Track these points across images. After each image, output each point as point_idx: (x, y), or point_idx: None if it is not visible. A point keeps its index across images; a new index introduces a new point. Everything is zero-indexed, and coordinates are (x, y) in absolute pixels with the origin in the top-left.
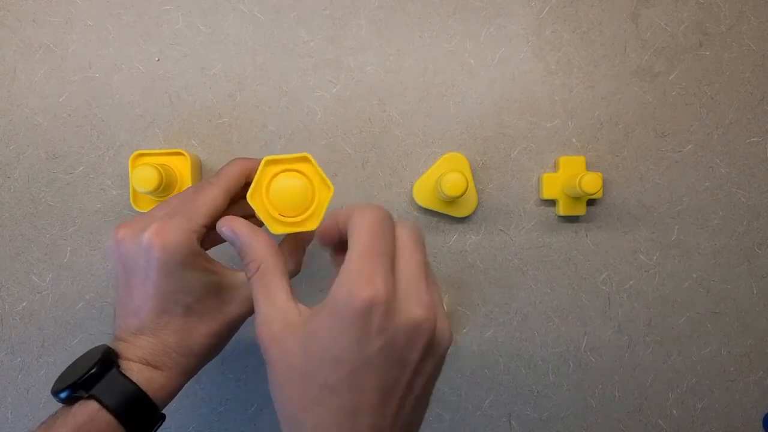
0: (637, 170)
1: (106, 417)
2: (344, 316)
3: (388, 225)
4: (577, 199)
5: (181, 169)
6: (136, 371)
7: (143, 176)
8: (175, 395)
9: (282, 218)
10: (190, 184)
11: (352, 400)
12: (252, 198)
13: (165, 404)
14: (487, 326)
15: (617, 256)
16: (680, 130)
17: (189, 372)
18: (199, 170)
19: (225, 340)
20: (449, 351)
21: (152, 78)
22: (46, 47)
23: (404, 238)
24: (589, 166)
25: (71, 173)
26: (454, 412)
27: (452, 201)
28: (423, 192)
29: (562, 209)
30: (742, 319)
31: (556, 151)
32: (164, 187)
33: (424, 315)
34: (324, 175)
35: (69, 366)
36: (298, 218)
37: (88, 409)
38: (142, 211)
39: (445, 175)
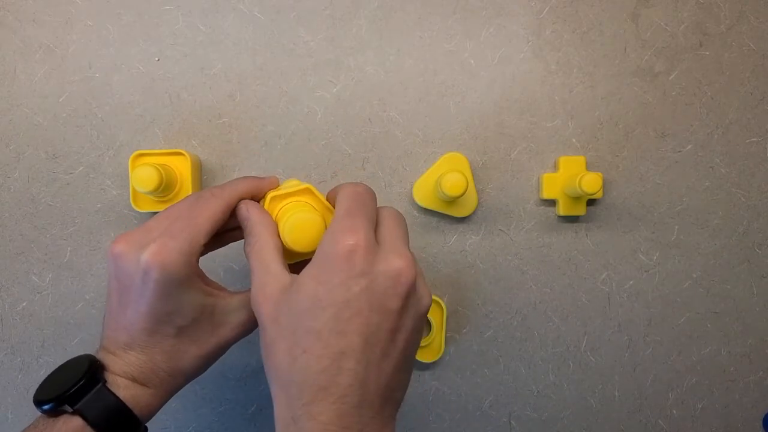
0: (637, 170)
1: None
2: (328, 260)
3: (369, 195)
4: (577, 199)
5: (181, 169)
6: (123, 387)
7: (143, 176)
8: (156, 412)
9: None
10: (190, 184)
11: (337, 345)
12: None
13: (146, 421)
14: (487, 326)
15: (617, 256)
16: (680, 130)
17: (174, 391)
18: (199, 170)
19: (213, 362)
20: (449, 351)
21: (152, 78)
22: (46, 47)
23: (386, 213)
24: (589, 166)
25: (71, 173)
26: (454, 412)
27: (452, 201)
28: (423, 192)
29: (562, 209)
30: (742, 319)
31: (556, 151)
32: (164, 187)
33: (404, 264)
34: (329, 205)
35: (51, 375)
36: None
37: (72, 425)
38: (142, 211)
39: (445, 175)
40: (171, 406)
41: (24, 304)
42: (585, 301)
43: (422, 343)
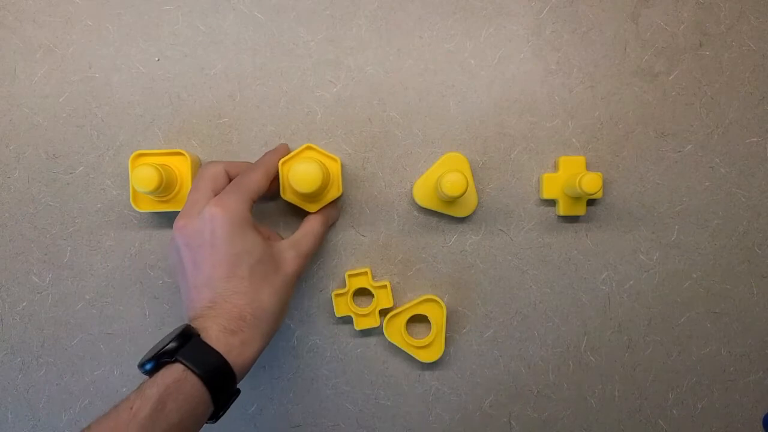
0: (637, 170)
1: (191, 378)
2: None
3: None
4: (577, 199)
5: (181, 169)
6: (215, 339)
7: (143, 176)
8: (252, 364)
9: (313, 200)
10: (190, 184)
11: None
12: (285, 195)
13: (242, 373)
14: (487, 326)
15: (617, 256)
16: (680, 130)
17: (262, 336)
18: None
19: (286, 300)
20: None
21: (152, 78)
22: (46, 47)
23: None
24: (589, 166)
25: (71, 173)
26: (454, 412)
27: (452, 201)
28: (423, 192)
29: (562, 209)
30: (742, 319)
31: (556, 151)
32: (164, 187)
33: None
34: (328, 153)
35: (153, 348)
36: (323, 194)
37: (173, 371)
38: (142, 211)
39: (445, 175)
40: None
41: (24, 304)
42: (585, 301)
43: (422, 343)
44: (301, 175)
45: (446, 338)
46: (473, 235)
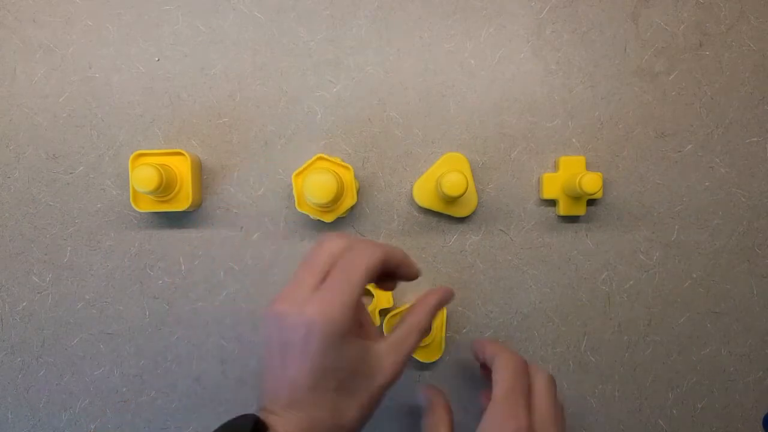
0: (637, 170)
1: None
2: None
3: (524, 370)
4: (577, 199)
5: (181, 169)
6: None
7: (143, 176)
8: None
9: (328, 210)
10: (190, 184)
11: None
12: (301, 207)
13: None
14: (487, 326)
15: (617, 256)
16: (680, 130)
17: None
18: (199, 170)
19: (373, 412)
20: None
21: (152, 78)
22: (46, 47)
23: (541, 384)
24: (589, 166)
25: (71, 173)
26: (454, 413)
27: (452, 201)
28: (423, 192)
29: (562, 209)
30: (742, 319)
31: (556, 151)
32: (164, 187)
33: None
34: (340, 162)
35: (219, 429)
36: (338, 203)
37: None
38: (142, 211)
39: (445, 175)
40: (171, 407)
41: (24, 304)
42: (585, 301)
43: (422, 343)
44: (315, 186)
45: (446, 338)
46: (473, 235)
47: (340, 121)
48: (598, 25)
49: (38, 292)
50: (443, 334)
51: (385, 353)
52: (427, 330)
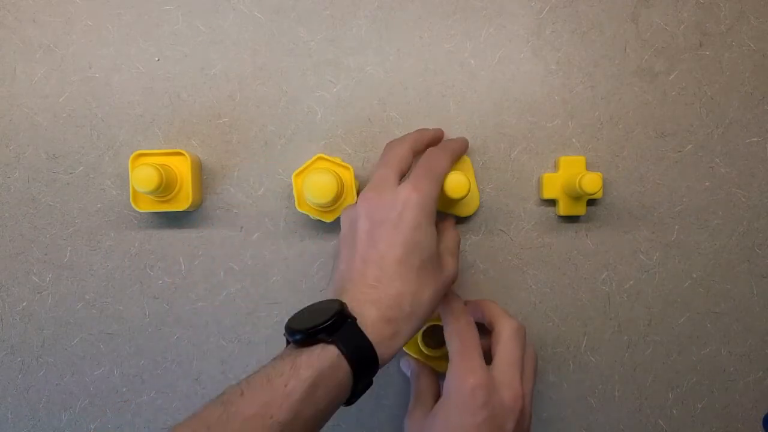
0: (637, 170)
1: (344, 366)
2: (458, 396)
3: (471, 329)
4: (577, 199)
5: (181, 169)
6: (371, 326)
7: (143, 176)
8: (391, 358)
9: (328, 210)
10: (190, 184)
11: None
12: (301, 207)
13: (383, 364)
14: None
15: (617, 256)
16: (680, 130)
17: (411, 331)
18: (199, 170)
19: (437, 305)
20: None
21: (152, 78)
22: (46, 47)
23: (506, 332)
24: (589, 166)
25: (71, 173)
26: None
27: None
28: None
29: (562, 209)
30: (742, 319)
31: (556, 151)
32: (164, 187)
33: (514, 399)
34: (340, 162)
35: (301, 312)
36: (338, 203)
37: (329, 354)
38: (142, 211)
39: (447, 177)
40: (171, 406)
41: (24, 304)
42: (585, 301)
43: (439, 353)
44: (315, 186)
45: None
46: (473, 235)
47: (340, 121)
48: (598, 25)
49: (38, 292)
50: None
51: (444, 251)
52: (459, 238)
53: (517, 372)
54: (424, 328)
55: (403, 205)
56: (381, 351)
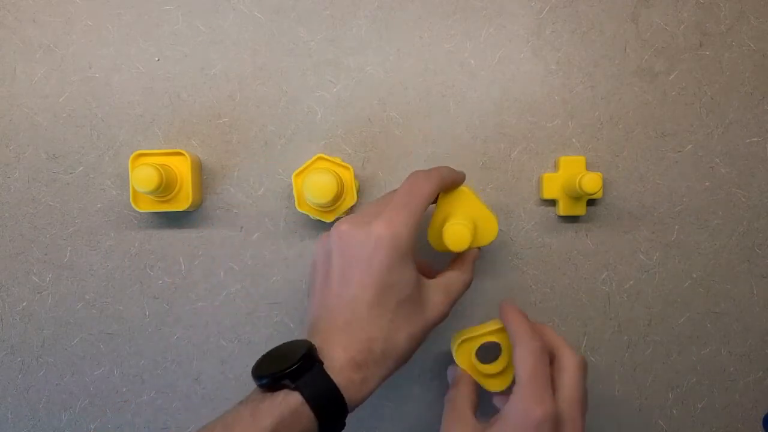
0: (637, 170)
1: (307, 412)
2: (518, 424)
3: (544, 353)
4: (577, 199)
5: (181, 169)
6: (338, 370)
7: (143, 176)
8: (362, 403)
9: (328, 210)
10: (190, 184)
11: None
12: (301, 207)
13: (352, 409)
14: None
15: (617, 256)
16: (680, 130)
17: (381, 379)
18: (199, 170)
19: (416, 348)
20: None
21: (152, 78)
22: (46, 47)
23: (571, 364)
24: (589, 166)
25: (71, 173)
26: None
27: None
28: (435, 238)
29: (562, 209)
30: (742, 319)
31: (556, 151)
32: (164, 187)
33: None
34: (340, 162)
35: (269, 353)
36: (338, 203)
37: (292, 401)
38: (142, 211)
39: (447, 229)
40: (171, 406)
41: (24, 304)
42: (585, 301)
43: (494, 371)
44: (315, 186)
45: (446, 338)
46: None
47: (340, 121)
48: (598, 25)
49: (38, 292)
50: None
51: (435, 291)
52: (470, 281)
53: (581, 410)
54: (481, 343)
55: (375, 244)
56: (350, 395)
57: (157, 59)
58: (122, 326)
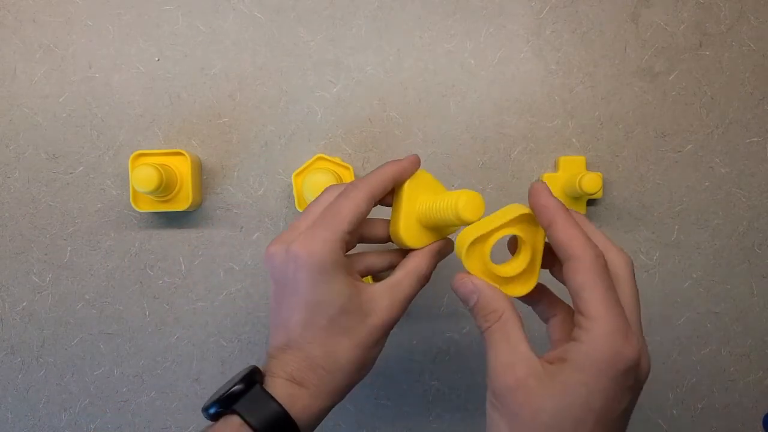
0: (637, 170)
1: None
2: (608, 374)
3: (607, 268)
4: (577, 199)
5: (181, 169)
6: (280, 388)
7: (143, 176)
8: (321, 419)
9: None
10: (190, 184)
11: None
12: (301, 207)
13: (310, 427)
14: None
15: None
16: (680, 130)
17: (335, 392)
18: (199, 170)
19: (371, 354)
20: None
21: (152, 78)
22: (46, 47)
23: (623, 270)
24: (589, 166)
25: (71, 173)
26: (454, 412)
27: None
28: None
29: None
30: (742, 319)
31: (556, 151)
32: (164, 187)
33: (648, 368)
34: (340, 162)
35: (221, 387)
36: None
37: (230, 425)
38: (142, 211)
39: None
40: (171, 406)
41: (24, 304)
42: None
43: (512, 272)
44: (315, 186)
45: (445, 338)
46: None
47: (340, 121)
48: (598, 25)
49: (38, 292)
50: (539, 261)
51: (380, 295)
52: (427, 277)
53: (640, 328)
54: (496, 240)
55: (294, 265)
56: (297, 412)
57: (157, 59)
58: (122, 326)
